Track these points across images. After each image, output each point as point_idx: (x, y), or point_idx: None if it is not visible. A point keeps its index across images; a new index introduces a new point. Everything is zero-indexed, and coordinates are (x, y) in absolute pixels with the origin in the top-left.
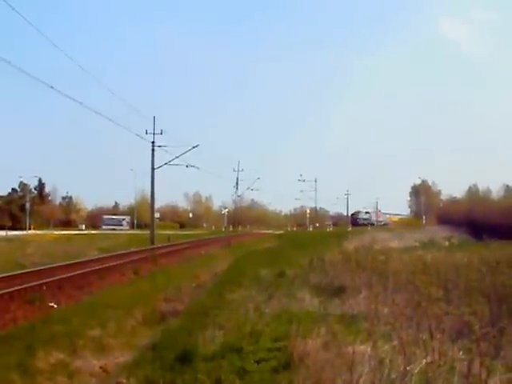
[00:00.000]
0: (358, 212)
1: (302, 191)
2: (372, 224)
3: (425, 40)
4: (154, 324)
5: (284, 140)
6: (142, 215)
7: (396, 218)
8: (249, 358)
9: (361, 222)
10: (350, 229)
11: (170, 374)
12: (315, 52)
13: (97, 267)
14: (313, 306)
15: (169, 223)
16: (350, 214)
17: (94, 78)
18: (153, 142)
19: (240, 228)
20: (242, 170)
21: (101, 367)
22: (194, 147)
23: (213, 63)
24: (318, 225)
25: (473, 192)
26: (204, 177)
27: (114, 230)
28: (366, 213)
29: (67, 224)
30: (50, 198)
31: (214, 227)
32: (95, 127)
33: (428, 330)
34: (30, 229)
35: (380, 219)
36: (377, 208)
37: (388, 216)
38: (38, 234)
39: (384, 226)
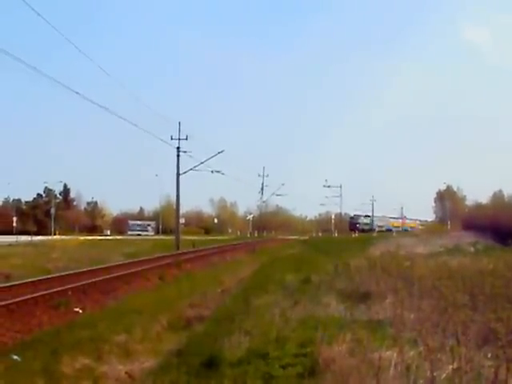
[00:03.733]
0: (358, 216)
1: (327, 197)
2: (373, 230)
3: (448, 45)
4: (179, 329)
5: (309, 146)
6: (167, 220)
7: (399, 223)
8: (274, 364)
9: (360, 227)
10: (375, 234)
11: (196, 380)
12: (339, 58)
13: (122, 272)
14: (338, 311)
15: (194, 229)
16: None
17: (119, 83)
18: (178, 148)
19: (265, 234)
20: (267, 175)
21: (126, 372)
22: (219, 153)
23: (238, 68)
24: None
25: (498, 197)
26: (229, 182)
27: (139, 235)
28: (367, 216)
29: (92, 229)
30: (75, 203)
31: (239, 233)
32: (120, 132)
33: (454, 336)
34: (55, 234)
35: (382, 224)
36: (402, 213)
37: (391, 221)
38: (63, 239)
39: (388, 231)
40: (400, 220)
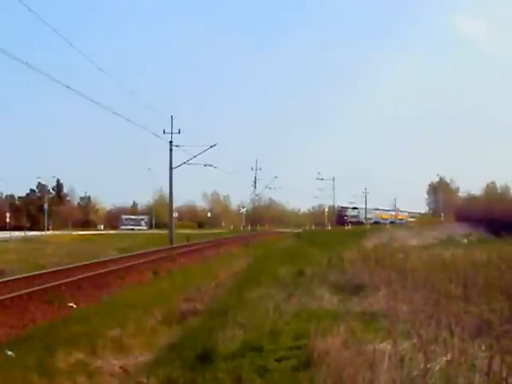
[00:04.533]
0: (346, 208)
1: (319, 190)
2: (361, 222)
3: (442, 37)
4: (173, 323)
5: (302, 139)
6: (160, 215)
7: (387, 215)
8: (269, 357)
9: (349, 220)
10: (368, 227)
11: (191, 373)
12: (332, 50)
13: (116, 267)
14: (332, 304)
15: (187, 223)
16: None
17: (112, 77)
18: (171, 142)
19: (258, 227)
20: (260, 168)
21: (121, 367)
22: (211, 146)
23: (230, 62)
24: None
25: (491, 189)
26: (222, 176)
27: (132, 229)
28: (354, 208)
29: (86, 224)
30: (68, 198)
31: (232, 226)
32: (112, 127)
33: (448, 328)
34: (48, 229)
35: (370, 216)
36: (395, 206)
37: (378, 213)
38: (56, 235)
39: (376, 224)
40: (388, 212)
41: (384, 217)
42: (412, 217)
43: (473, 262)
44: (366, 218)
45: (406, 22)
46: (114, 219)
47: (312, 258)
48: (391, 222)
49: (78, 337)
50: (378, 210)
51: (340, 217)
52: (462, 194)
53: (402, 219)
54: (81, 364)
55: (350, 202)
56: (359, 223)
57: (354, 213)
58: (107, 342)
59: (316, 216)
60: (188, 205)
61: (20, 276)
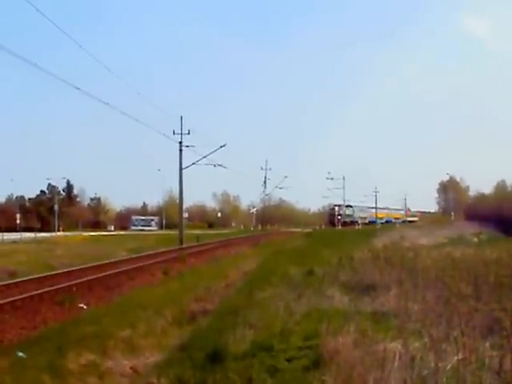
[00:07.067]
0: (339, 206)
1: (329, 189)
2: (355, 222)
3: (450, 36)
4: (184, 324)
5: (312, 138)
6: (170, 215)
7: (384, 214)
8: (280, 357)
9: (343, 219)
10: (378, 226)
11: (201, 374)
12: (340, 51)
13: (126, 268)
14: (343, 303)
15: (197, 223)
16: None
17: (121, 78)
18: (180, 142)
19: (268, 227)
20: (270, 168)
21: (131, 367)
22: (221, 147)
23: (239, 62)
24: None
25: (501, 188)
26: (232, 176)
27: (142, 230)
28: (348, 206)
29: (96, 225)
30: (78, 199)
31: (242, 226)
32: (122, 128)
33: (458, 327)
34: (58, 230)
35: (364, 215)
36: (405, 205)
37: (374, 211)
38: (66, 236)
39: (370, 223)
40: (384, 211)
41: (380, 216)
42: (411, 215)
43: (483, 260)
44: (376, 216)
45: (417, 20)
46: (124, 220)
47: (322, 257)
48: (387, 222)
49: (89, 338)
50: (372, 208)
51: (331, 216)
52: (472, 192)
53: (398, 218)
54: (92, 365)
55: (345, 200)
56: (354, 223)
57: (349, 211)
58: (118, 343)
59: (326, 216)
60: (198, 205)
61: (31, 277)
